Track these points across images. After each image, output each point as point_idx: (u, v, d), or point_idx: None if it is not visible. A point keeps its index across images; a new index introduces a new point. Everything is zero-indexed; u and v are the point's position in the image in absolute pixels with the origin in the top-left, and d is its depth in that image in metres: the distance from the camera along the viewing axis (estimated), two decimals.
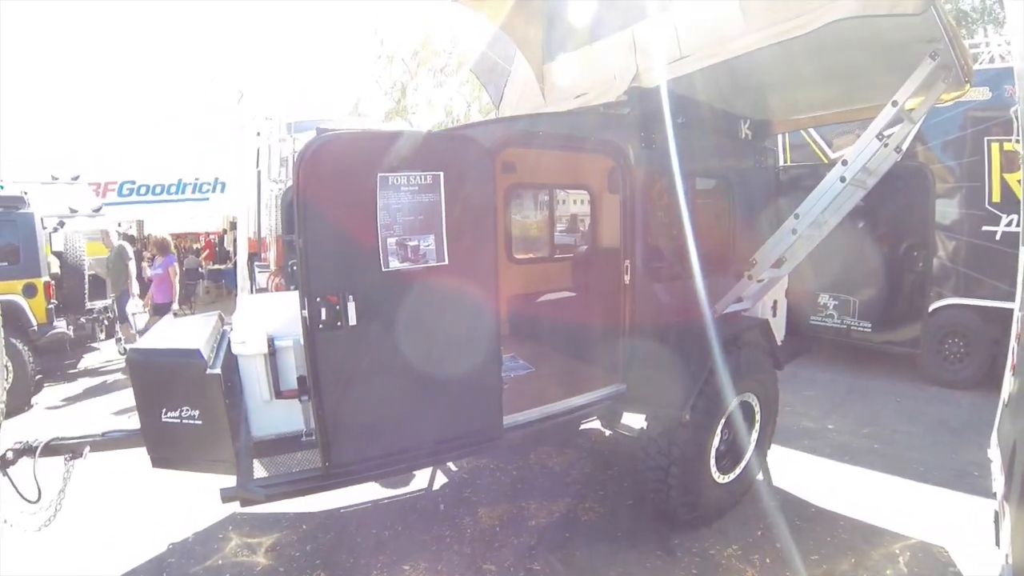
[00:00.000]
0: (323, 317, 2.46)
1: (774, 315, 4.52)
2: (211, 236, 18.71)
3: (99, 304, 8.92)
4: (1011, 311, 3.53)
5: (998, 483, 3.10)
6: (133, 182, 13.05)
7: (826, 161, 7.43)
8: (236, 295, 14.10)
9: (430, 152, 2.70)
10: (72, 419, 6.58)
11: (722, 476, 3.86)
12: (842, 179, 3.28)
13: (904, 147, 3.52)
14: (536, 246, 6.16)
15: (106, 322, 9.14)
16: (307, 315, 2.46)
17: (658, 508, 3.87)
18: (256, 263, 12.37)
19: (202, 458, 3.02)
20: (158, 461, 3.10)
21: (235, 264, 15.77)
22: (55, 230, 8.25)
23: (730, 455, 3.96)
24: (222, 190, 13.60)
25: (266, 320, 3.24)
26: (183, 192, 13.49)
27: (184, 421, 2.91)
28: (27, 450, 3.26)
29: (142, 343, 3.41)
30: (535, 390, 3.80)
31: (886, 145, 3.31)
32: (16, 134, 13.24)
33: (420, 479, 4.72)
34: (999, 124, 6.46)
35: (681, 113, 3.61)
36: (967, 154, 6.76)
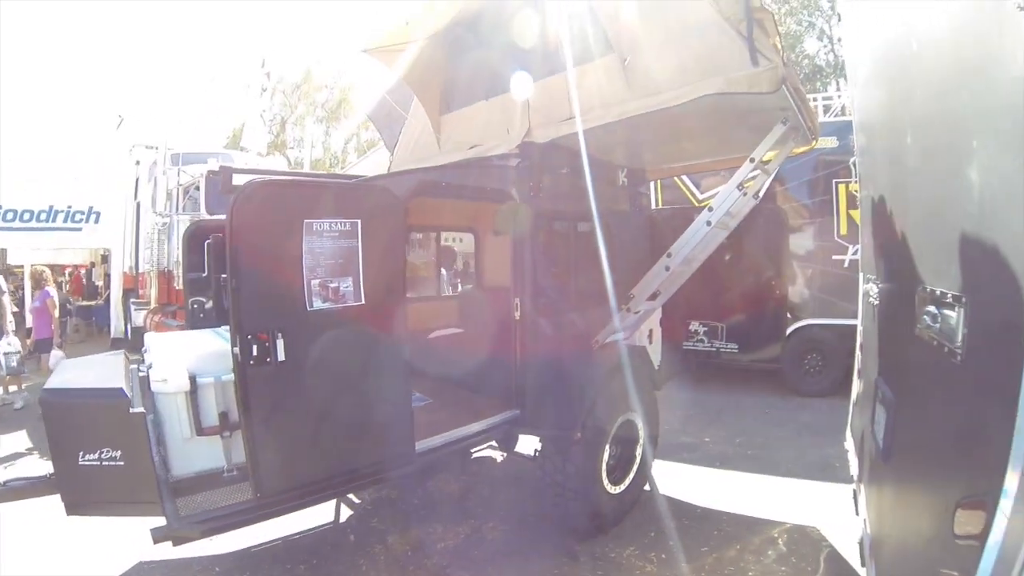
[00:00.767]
0: (254, 353, 2.73)
1: (650, 342, 5.13)
2: (79, 269, 17.61)
3: None
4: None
5: (853, 466, 3.87)
6: None
7: (695, 202, 8.40)
8: (109, 334, 13.43)
9: (349, 200, 3.06)
10: None
11: (614, 487, 4.37)
12: (708, 223, 3.91)
13: (761, 194, 4.23)
14: (424, 285, 6.52)
15: None
16: (238, 351, 2.72)
17: (559, 520, 4.31)
18: (132, 300, 11.91)
19: (125, 500, 3.04)
20: (74, 507, 3.05)
21: (107, 300, 14.99)
22: None
23: (619, 468, 4.48)
24: (96, 220, 12.77)
25: (183, 358, 3.35)
26: (54, 220, 12.52)
27: (104, 463, 2.94)
28: None
29: (53, 383, 3.34)
30: (437, 420, 4.12)
31: (745, 194, 4.00)
32: None
33: (325, 514, 4.85)
34: (845, 168, 7.61)
35: (566, 164, 4.16)
36: (819, 193, 7.93)
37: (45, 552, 4.30)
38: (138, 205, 12.12)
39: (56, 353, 8.25)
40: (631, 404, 4.44)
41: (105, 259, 15.69)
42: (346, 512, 4.94)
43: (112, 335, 13.02)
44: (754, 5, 3.16)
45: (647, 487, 4.91)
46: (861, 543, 3.28)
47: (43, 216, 12.56)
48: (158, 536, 2.88)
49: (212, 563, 4.21)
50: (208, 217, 7.89)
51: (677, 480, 5.30)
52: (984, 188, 1.60)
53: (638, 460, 4.61)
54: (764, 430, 6.65)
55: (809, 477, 5.23)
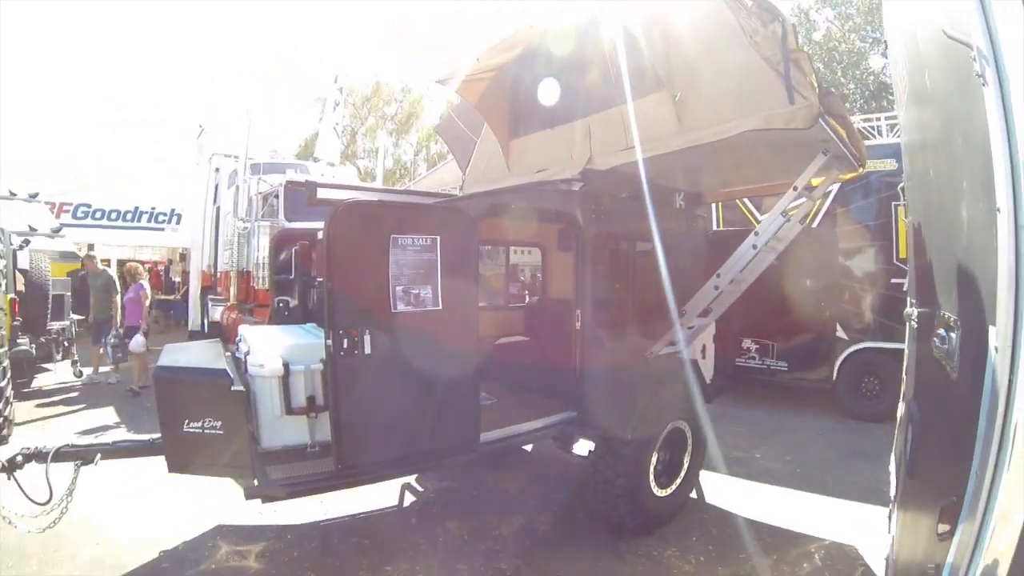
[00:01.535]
0: (344, 346, 3.25)
1: (703, 357, 5.45)
2: (158, 266, 18.98)
3: (57, 325, 9.15)
4: None
5: (892, 487, 4.11)
6: (89, 205, 13.36)
7: (754, 222, 8.61)
8: (187, 326, 14.53)
9: (430, 220, 3.59)
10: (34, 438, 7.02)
11: (660, 490, 4.72)
12: (754, 246, 4.26)
13: (814, 219, 4.52)
14: (494, 296, 6.98)
15: (65, 343, 9.43)
16: (331, 344, 3.24)
17: (607, 518, 4.68)
18: (210, 296, 12.86)
19: (221, 463, 3.55)
20: (175, 466, 3.63)
21: (184, 295, 16.17)
22: (20, 247, 8.49)
23: (667, 473, 4.84)
24: (177, 221, 14.01)
25: (277, 348, 3.90)
26: (139, 220, 13.83)
27: (206, 431, 3.47)
28: (37, 455, 3.69)
29: (164, 361, 3.90)
30: (500, 417, 4.57)
31: (789, 220, 4.33)
32: None
33: (391, 498, 5.38)
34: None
35: (625, 188, 4.57)
36: (879, 216, 8.01)
37: (132, 516, 4.90)
38: (217, 209, 13.13)
39: (138, 338, 9.20)
40: (680, 413, 4.80)
41: (183, 257, 16.95)
42: (409, 499, 5.43)
43: (189, 327, 14.12)
44: (791, 46, 3.46)
45: (694, 495, 5.24)
46: (887, 559, 3.54)
47: (129, 216, 13.83)
48: (250, 494, 3.44)
49: (284, 531, 4.75)
50: (290, 225, 8.60)
51: (725, 492, 5.57)
52: (970, 217, 1.89)
53: (685, 467, 4.95)
54: (816, 451, 6.85)
55: (854, 498, 5.41)
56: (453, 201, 5.21)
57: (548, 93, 4.91)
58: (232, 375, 3.66)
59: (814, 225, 8.34)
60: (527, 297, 7.15)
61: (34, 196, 10.53)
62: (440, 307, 3.55)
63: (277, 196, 9.28)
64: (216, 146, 14.15)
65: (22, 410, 7.94)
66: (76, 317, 9.98)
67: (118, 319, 9.24)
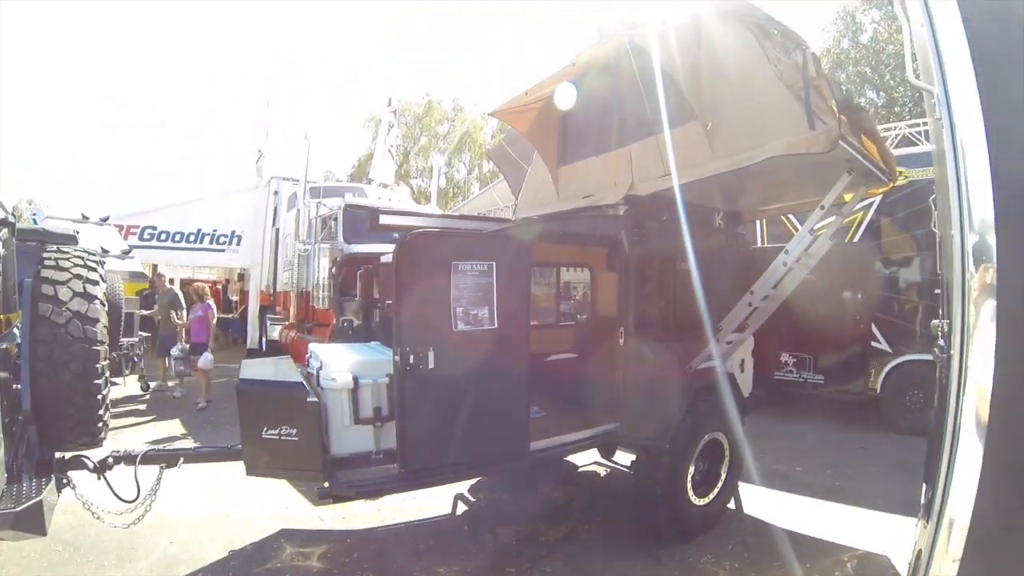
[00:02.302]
0: (411, 362, 3.66)
1: (742, 371, 5.71)
2: (216, 285, 19.88)
3: (127, 340, 9.57)
4: None
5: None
6: (155, 227, 14.14)
7: None
8: (245, 344, 15.25)
9: (486, 247, 4.02)
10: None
11: (698, 500, 5.01)
12: (784, 264, 4.52)
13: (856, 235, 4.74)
14: (544, 315, 7.35)
15: (134, 358, 10.14)
16: (399, 359, 3.66)
17: (647, 525, 4.98)
18: (268, 315, 13.50)
19: (294, 467, 3.97)
20: (253, 469, 3.97)
21: (241, 314, 16.96)
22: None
23: (705, 483, 5.12)
24: (238, 243, 14.73)
25: (347, 363, 4.27)
26: (201, 241, 14.59)
27: (282, 438, 3.80)
28: (127, 458, 4.00)
29: (245, 375, 4.24)
30: (548, 428, 4.89)
31: (818, 237, 4.59)
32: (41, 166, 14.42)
33: (444, 507, 5.70)
34: None
35: (665, 210, 4.90)
36: (923, 225, 8.11)
37: (202, 518, 5.37)
38: (277, 231, 13.83)
39: (207, 356, 9.88)
40: (717, 425, 5.08)
41: (241, 277, 17.76)
42: (461, 508, 5.74)
43: (248, 345, 14.81)
44: (811, 74, 3.72)
45: (732, 505, 5.49)
46: (910, 565, 3.75)
47: (192, 237, 14.60)
48: (323, 495, 3.82)
49: (345, 536, 5.15)
50: (349, 247, 9.13)
51: (763, 502, 5.80)
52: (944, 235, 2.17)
53: (723, 478, 5.22)
54: (856, 464, 7.02)
55: (891, 511, 5.50)
56: (508, 227, 5.63)
57: (592, 123, 5.30)
58: (307, 388, 4.05)
59: (856, 237, 8.50)
60: (576, 316, 7.46)
61: (105, 220, 11.24)
62: (496, 326, 3.95)
63: (336, 219, 9.79)
64: (274, 169, 14.95)
65: None
66: (143, 334, 10.65)
67: (183, 335, 9.90)
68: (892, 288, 8.39)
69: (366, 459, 4.13)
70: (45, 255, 3.92)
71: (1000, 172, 1.90)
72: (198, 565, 4.58)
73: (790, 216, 8.87)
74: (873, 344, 7.60)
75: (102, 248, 9.96)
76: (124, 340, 9.66)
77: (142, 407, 9.83)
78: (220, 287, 19.86)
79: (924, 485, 3.20)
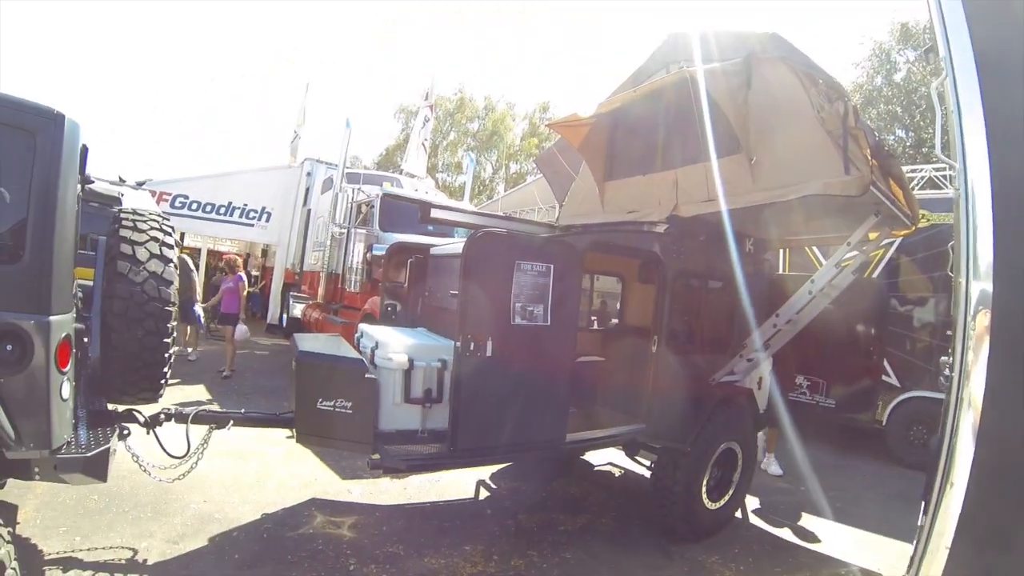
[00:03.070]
0: (471, 348, 4.07)
1: (759, 388, 6.10)
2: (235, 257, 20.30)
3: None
4: None
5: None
6: (187, 196, 14.40)
7: (819, 266, 9.19)
8: (264, 319, 15.68)
9: (547, 251, 4.45)
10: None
11: (711, 503, 5.41)
12: (809, 292, 4.96)
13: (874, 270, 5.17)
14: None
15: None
16: (460, 345, 4.07)
17: (661, 523, 5.40)
18: (292, 293, 13.90)
19: (345, 438, 4.18)
20: (304, 437, 4.27)
21: (262, 289, 17.39)
22: None
23: (718, 489, 5.53)
24: (267, 219, 15.07)
25: (402, 345, 4.59)
26: (231, 215, 14.91)
27: (337, 409, 4.04)
28: (178, 416, 4.21)
29: (304, 347, 4.47)
30: (579, 423, 5.23)
31: (842, 270, 5.02)
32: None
33: (468, 491, 6.15)
34: None
35: (703, 232, 5.32)
36: (940, 267, 8.49)
37: (236, 481, 5.68)
38: (308, 212, 14.24)
39: (241, 327, 10.37)
40: (733, 435, 5.50)
41: (265, 253, 18.19)
42: (484, 494, 6.17)
43: (268, 321, 15.24)
44: (850, 124, 4.16)
45: (739, 514, 5.90)
46: None
47: (223, 210, 14.87)
48: (374, 465, 4.16)
49: (373, 509, 5.50)
50: (384, 235, 9.55)
51: (768, 515, 6.24)
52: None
53: (735, 485, 5.63)
54: (859, 490, 7.38)
55: (888, 535, 5.90)
56: (566, 234, 6.05)
57: (642, 143, 5.72)
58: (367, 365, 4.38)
59: (876, 273, 8.89)
60: (605, 322, 7.85)
61: (141, 184, 11.52)
62: (549, 323, 4.37)
63: (373, 206, 10.18)
64: (308, 151, 15.35)
65: None
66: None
67: (196, 296, 10.52)
68: (905, 325, 8.76)
69: (411, 436, 4.44)
70: (122, 215, 4.12)
71: (1000, 235, 2.35)
72: (232, 524, 4.86)
73: (813, 248, 9.30)
74: (883, 378, 7.97)
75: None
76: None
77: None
78: (240, 261, 20.25)
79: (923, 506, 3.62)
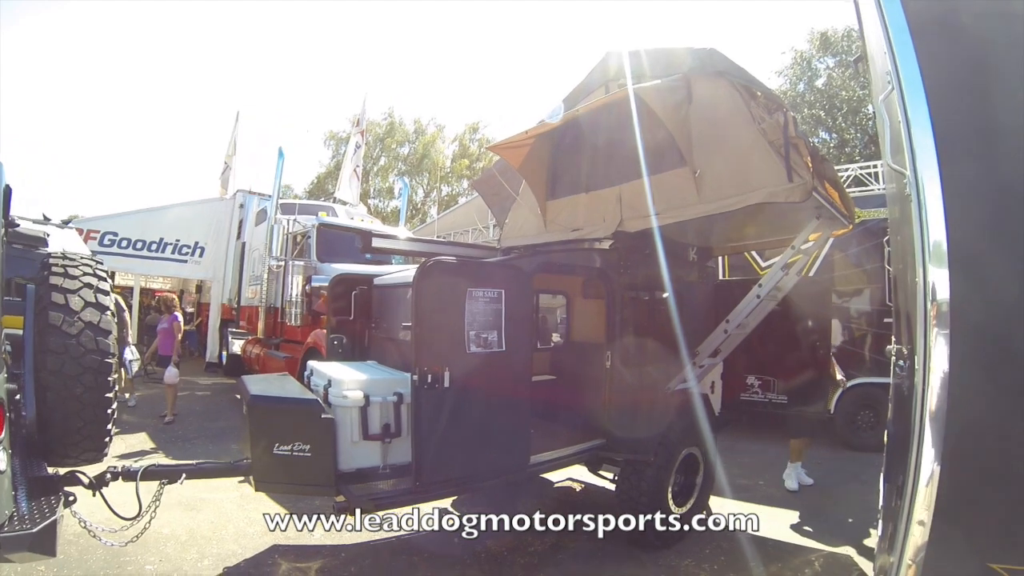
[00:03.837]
0: (428, 380, 4.05)
1: (712, 392, 6.26)
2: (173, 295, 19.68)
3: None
4: None
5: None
6: (116, 233, 13.95)
7: (758, 269, 9.57)
8: (203, 357, 15.21)
9: (497, 276, 4.48)
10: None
11: (678, 508, 5.51)
12: (758, 296, 5.14)
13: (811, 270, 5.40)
14: None
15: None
16: (416, 378, 4.05)
17: (630, 533, 5.41)
18: (230, 329, 13.55)
19: (305, 483, 4.10)
20: (263, 484, 4.17)
21: (198, 326, 16.88)
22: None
23: (683, 493, 5.64)
24: (200, 255, 14.68)
25: (355, 381, 4.48)
26: (163, 251, 14.49)
27: (295, 454, 3.92)
28: (126, 474, 3.97)
29: (255, 391, 4.28)
30: (540, 444, 5.19)
31: (787, 273, 5.22)
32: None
33: (431, 522, 5.80)
34: None
35: (648, 246, 5.43)
36: (873, 261, 8.99)
37: (190, 534, 5.42)
38: (243, 245, 13.91)
39: (172, 369, 9.89)
40: (693, 440, 5.62)
41: (199, 289, 17.68)
42: (449, 522, 6.05)
43: (207, 359, 14.79)
44: (791, 134, 4.33)
45: (704, 514, 6.02)
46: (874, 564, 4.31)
47: (154, 247, 14.44)
48: (339, 508, 4.04)
49: (338, 550, 5.27)
50: (321, 265, 9.43)
51: (731, 512, 6.33)
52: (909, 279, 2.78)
53: (698, 488, 5.76)
54: (818, 476, 7.60)
55: (850, 516, 6.18)
56: (515, 257, 6.07)
57: (584, 161, 5.82)
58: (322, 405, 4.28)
59: (812, 271, 9.26)
60: (548, 340, 7.94)
61: (67, 222, 10.99)
62: (504, 348, 4.40)
63: (309, 237, 10.04)
64: (240, 183, 15.02)
65: None
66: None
67: (128, 338, 9.96)
68: (843, 317, 9.17)
69: (373, 473, 4.37)
70: (52, 260, 3.91)
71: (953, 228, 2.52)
72: None
73: (752, 251, 9.63)
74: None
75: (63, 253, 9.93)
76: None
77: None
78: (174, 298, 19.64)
79: (883, 484, 3.77)
